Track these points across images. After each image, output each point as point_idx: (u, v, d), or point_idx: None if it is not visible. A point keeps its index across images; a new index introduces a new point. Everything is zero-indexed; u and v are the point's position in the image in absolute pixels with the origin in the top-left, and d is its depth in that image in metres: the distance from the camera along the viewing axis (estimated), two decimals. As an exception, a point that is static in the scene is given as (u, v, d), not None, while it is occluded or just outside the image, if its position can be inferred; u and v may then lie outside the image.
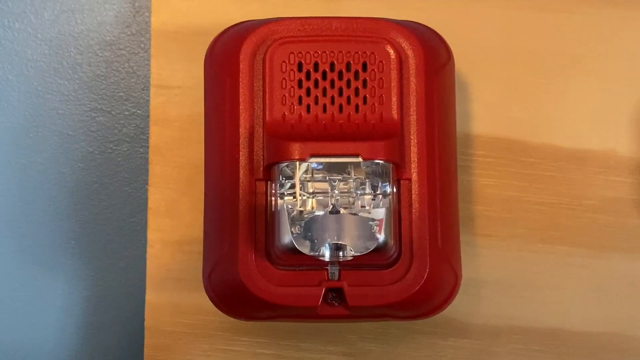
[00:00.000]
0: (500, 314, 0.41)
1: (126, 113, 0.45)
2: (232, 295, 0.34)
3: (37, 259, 0.45)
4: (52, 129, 0.45)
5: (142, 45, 0.45)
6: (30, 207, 0.45)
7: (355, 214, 0.32)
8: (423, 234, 0.34)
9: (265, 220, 0.34)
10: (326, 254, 0.32)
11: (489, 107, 0.42)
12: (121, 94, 0.45)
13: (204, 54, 0.37)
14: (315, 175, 0.33)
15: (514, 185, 0.42)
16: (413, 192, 0.34)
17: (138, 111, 0.45)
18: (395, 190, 0.33)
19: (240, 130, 0.34)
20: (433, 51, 0.35)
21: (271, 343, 0.41)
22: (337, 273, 0.34)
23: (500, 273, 0.41)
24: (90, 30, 0.45)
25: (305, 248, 0.32)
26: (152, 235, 0.42)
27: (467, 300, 0.40)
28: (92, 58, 0.45)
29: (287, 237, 0.33)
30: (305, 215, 0.33)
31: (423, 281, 0.34)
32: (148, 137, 0.44)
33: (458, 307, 0.40)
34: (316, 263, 0.33)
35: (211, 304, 0.38)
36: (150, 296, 0.41)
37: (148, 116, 0.44)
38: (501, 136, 0.42)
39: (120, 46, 0.45)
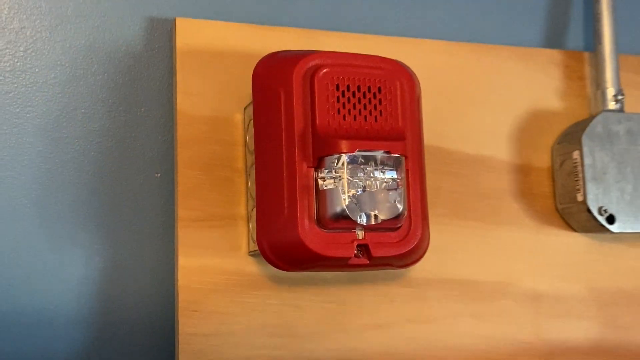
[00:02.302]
0: (432, 269, 0.57)
1: (144, 112, 0.54)
2: (289, 251, 0.47)
3: (61, 233, 0.52)
4: (79, 123, 0.53)
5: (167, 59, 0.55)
6: (55, 186, 0.52)
7: (383, 191, 0.47)
8: (417, 207, 0.49)
9: (315, 196, 0.47)
10: (364, 219, 0.46)
11: (424, 123, 0.58)
12: (141, 97, 0.54)
13: (219, 69, 0.50)
14: (350, 166, 0.47)
15: (438, 178, 0.59)
16: (411, 178, 0.49)
17: (154, 112, 0.55)
18: (403, 175, 0.48)
19: (295, 131, 0.47)
20: (416, 83, 0.51)
21: (276, 295, 0.53)
22: (362, 234, 0.48)
23: (432, 240, 0.57)
24: (113, 41, 0.54)
25: (353, 215, 0.46)
26: (182, 212, 0.52)
27: (411, 260, 0.56)
28: (117, 67, 0.54)
29: (334, 207, 0.46)
30: (348, 193, 0.46)
31: (417, 240, 0.49)
32: (162, 133, 0.54)
33: (404, 265, 0.55)
34: (350, 226, 0.47)
35: (230, 266, 0.51)
36: (182, 261, 0.52)
37: (165, 116, 0.54)
38: (430, 144, 0.59)
39: (143, 58, 0.54)
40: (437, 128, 0.59)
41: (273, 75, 0.48)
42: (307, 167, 0.47)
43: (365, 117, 0.48)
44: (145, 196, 0.54)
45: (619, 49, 0.62)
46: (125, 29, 0.54)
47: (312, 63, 0.48)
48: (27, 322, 0.51)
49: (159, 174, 0.54)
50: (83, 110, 0.53)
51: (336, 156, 0.47)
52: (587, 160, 0.58)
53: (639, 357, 0.61)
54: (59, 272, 0.52)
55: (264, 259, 0.50)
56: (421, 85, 0.53)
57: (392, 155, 0.48)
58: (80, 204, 0.52)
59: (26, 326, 0.51)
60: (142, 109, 0.54)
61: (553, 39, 0.65)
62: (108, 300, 0.52)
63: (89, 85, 0.53)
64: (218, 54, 0.54)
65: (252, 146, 0.52)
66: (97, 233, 0.53)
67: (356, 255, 0.48)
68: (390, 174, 0.48)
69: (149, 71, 0.54)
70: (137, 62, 0.54)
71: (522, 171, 0.61)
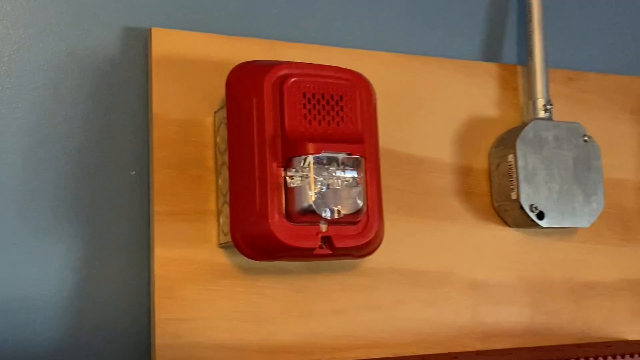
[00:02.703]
0: (383, 260, 0.63)
1: (121, 115, 0.58)
2: (260, 242, 0.52)
3: (43, 228, 0.56)
4: (60, 125, 0.57)
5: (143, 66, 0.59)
6: (38, 184, 0.56)
7: (345, 189, 0.52)
8: (374, 203, 0.55)
9: (284, 193, 0.52)
10: (328, 213, 0.52)
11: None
12: (118, 101, 0.58)
13: (191, 76, 0.56)
14: (315, 165, 0.52)
15: (389, 178, 0.65)
16: (369, 177, 0.55)
17: (131, 115, 0.59)
18: (363, 175, 0.54)
19: (266, 134, 0.52)
20: (373, 92, 0.57)
21: (244, 284, 0.58)
22: (326, 227, 0.53)
23: (384, 234, 0.63)
24: (93, 49, 0.58)
25: (318, 209, 0.51)
26: (157, 207, 0.56)
27: (366, 251, 0.62)
28: (96, 72, 0.58)
29: (302, 203, 0.52)
30: (314, 190, 0.52)
31: (374, 233, 0.55)
32: (138, 135, 0.58)
33: (358, 256, 0.61)
34: (315, 220, 0.52)
35: (202, 256, 0.56)
36: (158, 252, 0.56)
37: (141, 119, 0.58)
38: (383, 147, 0.64)
39: (121, 65, 0.58)
40: (389, 133, 0.65)
41: (245, 83, 0.53)
42: (277, 166, 0.52)
43: (329, 122, 0.54)
44: (122, 192, 0.58)
45: (548, 64, 0.70)
46: (105, 37, 0.58)
47: (281, 73, 0.53)
48: (9, 311, 0.54)
49: (134, 173, 0.58)
50: (64, 113, 0.57)
51: (303, 157, 0.52)
52: (520, 163, 0.65)
53: (564, 339, 0.69)
54: (41, 263, 0.55)
55: (234, 250, 0.55)
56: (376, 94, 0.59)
57: (353, 156, 0.54)
58: (61, 200, 0.56)
59: (8, 315, 0.54)
60: (119, 112, 0.58)
61: (490, 54, 0.73)
62: (87, 289, 0.56)
63: (69, 90, 0.57)
64: (190, 62, 0.59)
65: (222, 147, 0.57)
66: (77, 227, 0.56)
67: (320, 247, 0.53)
68: (351, 174, 0.53)
69: (126, 77, 0.58)
70: (115, 69, 0.58)
71: (463, 172, 0.68)
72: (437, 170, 0.67)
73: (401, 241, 0.64)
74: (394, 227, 0.64)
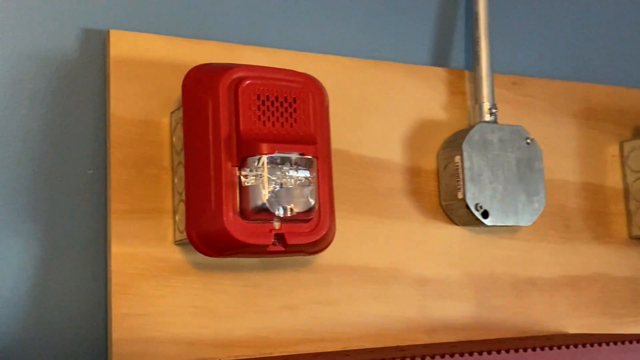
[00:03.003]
0: (335, 257, 0.65)
1: (78, 115, 0.60)
2: (215, 239, 0.54)
3: (1, 225, 0.56)
4: (19, 124, 0.58)
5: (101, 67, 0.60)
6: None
7: (298, 188, 0.55)
8: (325, 202, 0.57)
9: (239, 191, 0.54)
10: (281, 211, 0.54)
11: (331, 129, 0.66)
12: (76, 101, 0.60)
13: (149, 77, 0.58)
14: (269, 165, 0.54)
15: (341, 178, 0.67)
16: (321, 176, 0.57)
17: (89, 115, 0.60)
18: (315, 174, 0.56)
19: (222, 134, 0.54)
20: (325, 95, 0.59)
21: (199, 280, 0.60)
22: (279, 225, 0.55)
23: (336, 232, 0.65)
24: (52, 50, 0.59)
25: (272, 207, 0.53)
26: (114, 206, 0.58)
27: (317, 249, 0.64)
28: (54, 73, 0.59)
29: (256, 201, 0.54)
30: (267, 189, 0.54)
31: (326, 230, 0.57)
32: (95, 135, 0.60)
33: (311, 253, 0.63)
34: (268, 218, 0.54)
35: (158, 253, 0.57)
36: (114, 249, 0.57)
37: (98, 119, 0.60)
38: (336, 148, 0.67)
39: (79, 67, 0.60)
40: (342, 134, 0.67)
41: (201, 85, 0.55)
42: (232, 166, 0.54)
43: (282, 123, 0.56)
44: (79, 191, 0.59)
45: (494, 69, 0.73)
46: (63, 38, 0.59)
47: (236, 75, 0.55)
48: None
49: (92, 171, 0.60)
50: (22, 112, 0.58)
51: (257, 157, 0.54)
52: (467, 164, 0.68)
53: (507, 332, 0.72)
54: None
55: (189, 247, 0.57)
56: (329, 97, 0.62)
57: (305, 156, 0.56)
58: (19, 198, 0.57)
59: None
60: (77, 112, 0.59)
61: (440, 59, 0.75)
62: (44, 286, 0.57)
63: (28, 90, 0.58)
64: (148, 63, 0.60)
65: (178, 147, 0.59)
66: (35, 224, 0.57)
67: (274, 243, 0.55)
68: (304, 173, 0.56)
69: (84, 77, 0.60)
70: (74, 69, 0.59)
71: (412, 172, 0.70)
72: (387, 171, 0.70)
73: (353, 239, 0.67)
74: (345, 226, 0.66)
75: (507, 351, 0.58)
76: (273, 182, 0.54)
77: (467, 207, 0.68)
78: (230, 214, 0.54)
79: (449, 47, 0.76)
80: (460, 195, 0.68)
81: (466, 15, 0.77)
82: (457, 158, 0.69)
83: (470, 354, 0.56)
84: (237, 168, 0.54)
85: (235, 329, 0.60)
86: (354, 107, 0.69)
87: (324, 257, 0.65)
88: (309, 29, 0.70)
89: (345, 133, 0.68)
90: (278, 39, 0.68)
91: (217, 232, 0.54)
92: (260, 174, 0.54)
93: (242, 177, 0.54)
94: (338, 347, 0.64)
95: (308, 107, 0.57)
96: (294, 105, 0.56)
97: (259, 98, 0.55)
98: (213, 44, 0.63)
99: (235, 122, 0.54)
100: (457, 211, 0.70)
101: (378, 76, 0.70)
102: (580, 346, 0.61)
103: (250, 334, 0.61)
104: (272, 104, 0.56)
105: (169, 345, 0.58)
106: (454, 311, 0.70)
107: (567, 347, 0.60)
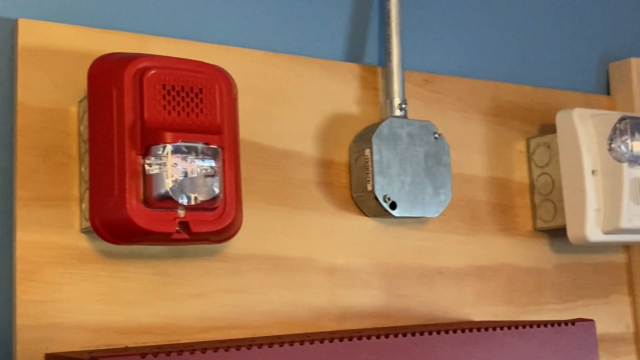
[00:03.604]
0: (245, 246, 0.67)
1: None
2: (119, 227, 0.54)
3: None
4: None
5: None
6: None
7: (202, 177, 0.56)
8: (231, 191, 0.59)
9: (143, 180, 0.55)
10: (185, 199, 0.55)
11: (243, 121, 0.68)
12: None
13: (57, 66, 0.58)
14: (174, 154, 0.55)
15: (253, 169, 0.68)
16: (227, 166, 0.58)
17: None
18: (220, 164, 0.57)
19: (126, 123, 0.55)
20: (233, 86, 0.60)
21: (106, 268, 0.61)
22: (184, 213, 0.56)
23: (246, 221, 0.66)
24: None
25: (175, 196, 0.54)
26: (20, 193, 0.58)
27: (228, 238, 0.65)
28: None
29: (159, 189, 0.55)
30: (171, 178, 0.55)
31: (231, 219, 0.58)
32: (1, 122, 0.60)
33: (221, 243, 0.64)
34: (173, 206, 0.55)
35: (64, 241, 0.58)
36: (20, 236, 0.58)
37: (5, 107, 0.60)
38: (248, 139, 0.68)
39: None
40: (255, 126, 0.69)
41: (106, 74, 0.56)
42: (136, 154, 0.55)
43: (188, 113, 0.57)
44: (-15, 178, 0.59)
45: (406, 66, 0.75)
46: (-31, 25, 0.59)
47: (141, 65, 0.56)
48: None
49: (-2, 159, 0.60)
50: None
51: (162, 146, 0.55)
52: (376, 157, 0.70)
53: (415, 320, 0.74)
54: None
55: (95, 235, 0.57)
56: (241, 89, 0.63)
57: (211, 146, 0.57)
58: None
59: None
60: (-16, 99, 0.59)
61: (353, 55, 0.77)
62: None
63: None
64: (57, 52, 0.61)
65: (85, 135, 0.59)
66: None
67: (178, 231, 0.56)
68: (209, 163, 0.57)
69: (-9, 65, 0.60)
70: (-20, 56, 0.59)
71: (324, 165, 0.72)
72: (300, 163, 0.71)
73: (264, 229, 0.68)
74: (257, 216, 0.67)
75: (413, 334, 0.60)
76: (177, 171, 0.55)
77: (376, 198, 0.70)
78: (134, 201, 0.55)
79: (363, 44, 0.78)
80: (369, 187, 0.70)
81: (380, 12, 0.79)
82: (367, 151, 0.71)
83: (377, 337, 0.58)
84: (141, 157, 0.55)
85: (142, 316, 0.61)
86: (267, 100, 0.70)
87: (235, 247, 0.66)
88: (224, 22, 0.71)
89: (258, 125, 0.69)
90: (192, 31, 0.69)
91: (121, 220, 0.55)
92: (164, 163, 0.55)
93: (146, 165, 0.55)
94: (246, 334, 0.65)
95: (214, 97, 0.58)
96: (200, 96, 0.57)
97: (164, 87, 0.56)
98: (123, 34, 0.64)
99: (139, 111, 0.55)
100: (367, 202, 0.72)
101: (292, 70, 0.72)
102: (483, 330, 0.63)
103: (157, 321, 0.62)
104: (178, 94, 0.57)
105: (75, 332, 0.58)
106: (363, 299, 0.72)
107: (470, 330, 0.63)
